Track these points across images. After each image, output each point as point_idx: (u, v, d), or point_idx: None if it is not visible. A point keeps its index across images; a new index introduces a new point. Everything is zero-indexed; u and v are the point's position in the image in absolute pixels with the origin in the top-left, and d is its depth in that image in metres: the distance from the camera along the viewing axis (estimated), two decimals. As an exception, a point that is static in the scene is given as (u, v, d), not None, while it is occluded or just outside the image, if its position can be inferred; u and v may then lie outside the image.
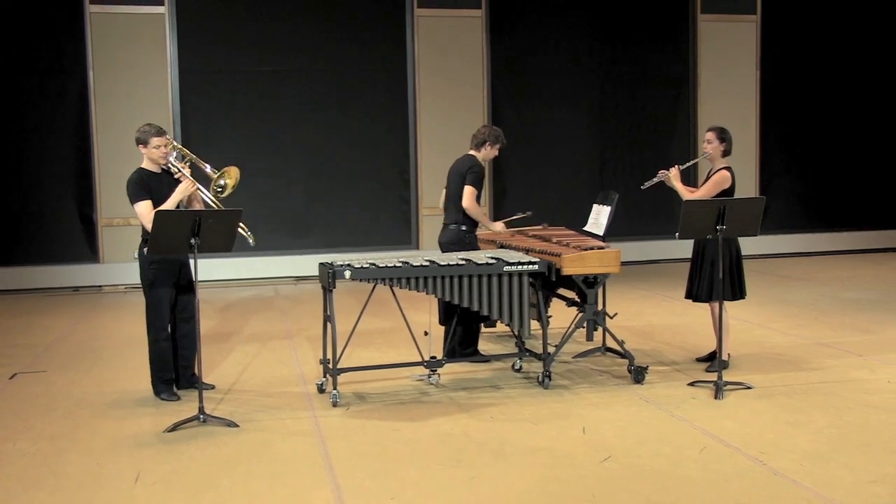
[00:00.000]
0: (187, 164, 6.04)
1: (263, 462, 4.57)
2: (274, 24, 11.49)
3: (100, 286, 10.96)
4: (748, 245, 12.42)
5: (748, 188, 12.83)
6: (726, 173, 6.28)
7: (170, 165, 5.86)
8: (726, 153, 6.32)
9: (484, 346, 7.19)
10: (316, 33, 11.62)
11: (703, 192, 6.24)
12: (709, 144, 6.32)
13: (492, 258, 5.81)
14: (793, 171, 13.26)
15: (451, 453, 4.65)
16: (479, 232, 7.33)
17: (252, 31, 11.42)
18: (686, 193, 6.24)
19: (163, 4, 11.03)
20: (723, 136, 6.29)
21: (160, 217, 5.06)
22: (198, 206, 5.93)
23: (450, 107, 11.78)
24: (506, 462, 4.52)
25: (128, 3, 10.93)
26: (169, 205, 5.61)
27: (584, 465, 4.46)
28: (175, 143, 6.07)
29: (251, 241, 6.25)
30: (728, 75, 12.71)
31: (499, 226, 6.87)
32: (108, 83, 10.96)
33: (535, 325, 7.45)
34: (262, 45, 11.46)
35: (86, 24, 10.90)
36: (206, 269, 11.10)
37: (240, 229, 5.85)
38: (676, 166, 6.35)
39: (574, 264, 5.85)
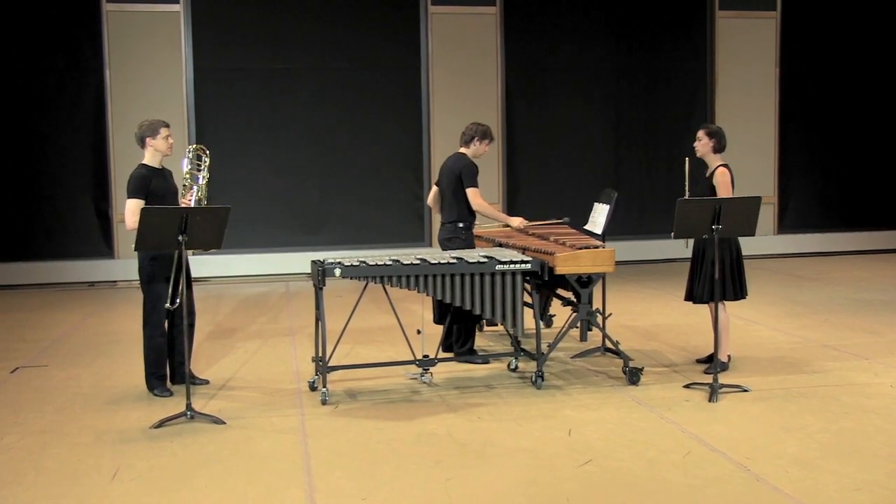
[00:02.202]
0: (200, 195, 6.05)
1: (242, 459, 4.57)
2: (288, 22, 11.52)
3: (115, 281, 11.06)
4: (765, 245, 12.45)
5: (766, 187, 12.67)
6: (725, 170, 6.17)
7: (185, 183, 5.93)
8: (718, 150, 6.20)
9: (485, 345, 7.16)
10: (330, 31, 11.63)
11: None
12: (698, 142, 6.23)
13: (484, 257, 5.76)
14: (812, 170, 13.03)
15: (432, 453, 4.62)
16: (481, 230, 7.30)
17: (266, 28, 11.46)
18: None
19: (178, 2, 11.10)
20: (712, 133, 6.18)
21: (147, 214, 5.08)
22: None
23: (464, 104, 11.72)
24: (485, 463, 4.48)
25: (143, 2, 11.02)
26: None
27: (564, 467, 4.40)
28: (205, 168, 6.09)
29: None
30: (746, 73, 12.52)
31: (517, 221, 6.80)
32: (123, 81, 11.06)
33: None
34: (276, 42, 11.50)
35: (102, 22, 11.00)
36: (219, 265, 11.24)
37: None
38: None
39: (567, 263, 5.78)
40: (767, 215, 12.71)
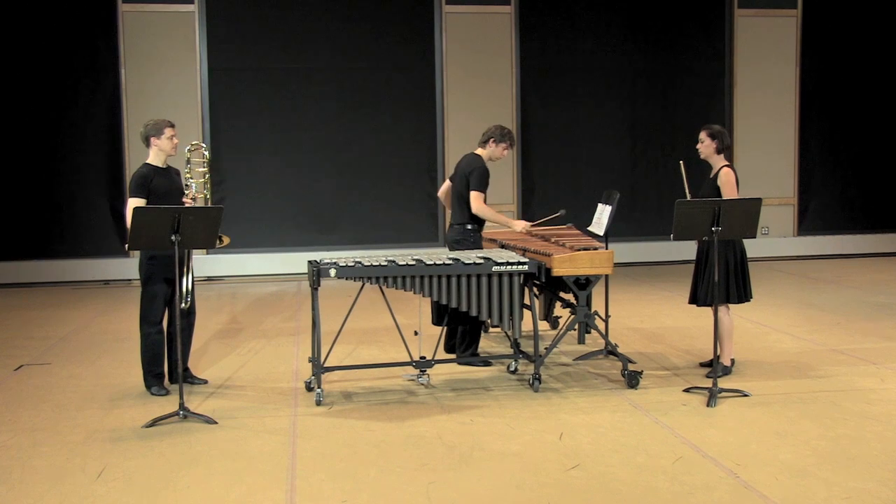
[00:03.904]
0: (203, 194, 6.13)
1: (228, 460, 4.56)
2: (302, 22, 11.54)
3: (129, 280, 11.14)
4: (784, 247, 12.27)
5: (786, 188, 12.50)
6: (729, 171, 6.06)
7: (188, 182, 5.98)
8: (721, 150, 6.10)
9: (488, 346, 7.11)
10: (344, 30, 11.63)
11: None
12: (701, 144, 6.12)
13: (481, 258, 5.71)
14: (833, 171, 12.79)
15: (419, 456, 4.58)
16: (488, 231, 7.25)
17: (280, 28, 11.49)
18: None
19: (193, 2, 11.17)
20: (714, 134, 6.07)
21: (139, 213, 5.11)
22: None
23: (478, 103, 11.68)
24: (470, 467, 4.43)
25: (159, 2, 11.10)
26: None
27: (550, 472, 4.34)
28: (206, 170, 6.15)
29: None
30: (766, 72, 12.33)
31: (521, 224, 6.71)
32: (139, 80, 11.14)
33: (544, 325, 7.37)
34: (290, 42, 11.53)
35: (118, 22, 11.10)
36: (233, 264, 11.31)
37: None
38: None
39: (564, 265, 5.72)
40: (787, 216, 12.53)
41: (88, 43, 11.15)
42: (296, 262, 11.48)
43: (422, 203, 11.99)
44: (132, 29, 11.09)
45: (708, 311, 6.68)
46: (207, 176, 6.19)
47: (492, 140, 6.60)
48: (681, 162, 6.28)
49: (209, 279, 11.22)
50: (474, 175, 6.44)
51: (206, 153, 6.19)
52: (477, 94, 11.75)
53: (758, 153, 12.37)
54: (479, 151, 6.65)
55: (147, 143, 5.92)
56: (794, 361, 6.50)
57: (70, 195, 11.23)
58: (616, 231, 11.24)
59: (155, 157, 5.90)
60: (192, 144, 6.27)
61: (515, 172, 11.95)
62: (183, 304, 5.70)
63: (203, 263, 11.16)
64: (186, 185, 6.16)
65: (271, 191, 11.59)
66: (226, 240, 5.91)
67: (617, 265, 11.41)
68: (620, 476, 4.27)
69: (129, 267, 11.17)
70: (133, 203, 5.68)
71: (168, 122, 5.93)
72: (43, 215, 11.20)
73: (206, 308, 9.10)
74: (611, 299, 6.88)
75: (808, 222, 12.73)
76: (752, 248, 11.68)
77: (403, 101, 11.85)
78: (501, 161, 6.84)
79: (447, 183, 6.88)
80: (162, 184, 5.83)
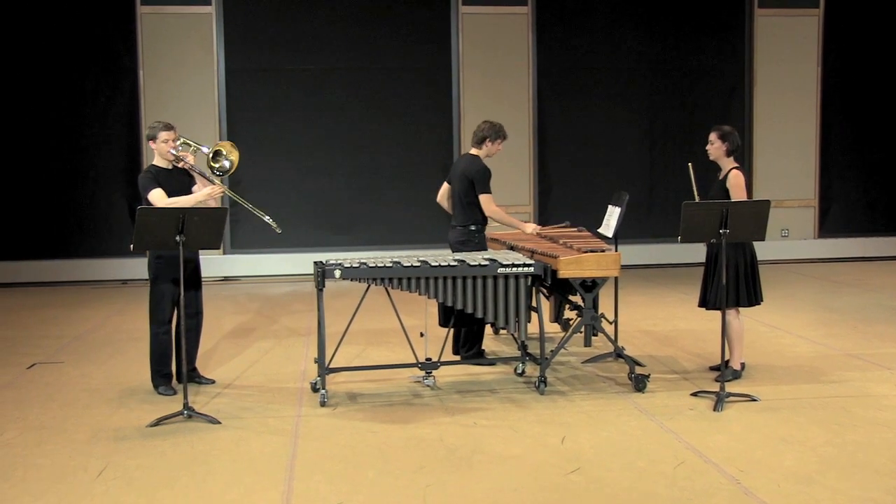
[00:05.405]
0: (192, 151, 6.10)
1: (228, 461, 4.57)
2: (319, 23, 11.56)
3: (146, 279, 11.17)
4: (805, 249, 12.12)
5: (807, 189, 12.35)
6: (738, 173, 6.00)
7: (175, 154, 5.93)
8: (731, 153, 6.03)
9: (497, 347, 7.08)
10: (361, 31, 11.64)
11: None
12: (710, 146, 6.06)
13: (487, 259, 5.68)
14: (855, 172, 12.58)
15: (418, 459, 4.56)
16: (496, 233, 7.22)
17: (297, 29, 11.52)
18: None
19: (210, 4, 11.23)
20: (724, 136, 6.01)
21: (144, 213, 5.13)
22: (213, 205, 5.95)
23: (494, 105, 11.61)
24: (469, 470, 4.41)
25: (176, 4, 11.18)
26: (192, 201, 5.71)
27: (550, 476, 4.31)
28: (180, 136, 6.10)
29: (277, 229, 6.28)
30: (787, 72, 12.17)
31: (531, 227, 6.70)
32: (157, 82, 11.22)
33: (554, 327, 7.31)
34: (307, 43, 11.56)
35: (137, 24, 11.18)
36: (248, 264, 11.36)
37: (266, 219, 6.09)
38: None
39: (570, 267, 5.67)
40: (807, 218, 12.39)
41: (107, 45, 11.23)
42: (311, 262, 11.47)
43: (437, 204, 11.92)
44: (150, 31, 11.17)
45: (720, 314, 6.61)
46: (192, 145, 6.09)
47: (488, 140, 6.57)
48: (689, 164, 6.22)
49: (225, 279, 11.28)
50: (478, 178, 6.41)
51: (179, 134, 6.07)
52: (493, 96, 11.70)
53: (778, 154, 12.23)
54: (474, 151, 6.61)
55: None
56: (807, 366, 6.41)
57: (89, 195, 11.33)
58: (633, 233, 11.19)
59: (159, 159, 5.92)
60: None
61: (532, 174, 11.90)
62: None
63: (220, 264, 11.23)
64: (178, 158, 5.98)
65: (287, 191, 11.62)
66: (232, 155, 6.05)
67: (633, 267, 11.40)
68: (619, 481, 4.23)
69: (146, 266, 11.25)
70: (155, 195, 5.68)
71: (164, 126, 5.83)
72: (62, 215, 11.31)
73: (220, 308, 9.16)
74: (625, 301, 6.84)
75: (830, 224, 12.56)
76: (773, 250, 11.71)
77: (419, 102, 11.83)
78: (518, 162, 6.80)
79: (445, 186, 6.87)
80: (167, 185, 5.83)
